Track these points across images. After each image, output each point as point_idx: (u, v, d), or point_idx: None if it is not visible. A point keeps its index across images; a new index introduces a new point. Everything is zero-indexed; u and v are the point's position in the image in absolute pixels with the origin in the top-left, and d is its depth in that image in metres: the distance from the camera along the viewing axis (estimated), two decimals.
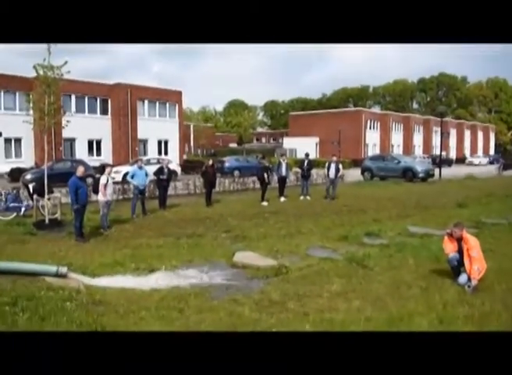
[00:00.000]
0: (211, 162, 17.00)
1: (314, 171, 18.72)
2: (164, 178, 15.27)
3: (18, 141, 31.33)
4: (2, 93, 30.95)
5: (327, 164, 18.31)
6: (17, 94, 31.04)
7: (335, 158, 18.41)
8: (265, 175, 16.84)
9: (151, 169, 16.98)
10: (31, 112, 12.05)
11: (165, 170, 15.37)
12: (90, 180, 18.12)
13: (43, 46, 10.82)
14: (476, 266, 6.25)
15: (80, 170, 10.51)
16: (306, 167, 18.36)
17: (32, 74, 12.05)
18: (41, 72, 11.23)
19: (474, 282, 6.21)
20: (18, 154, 31.67)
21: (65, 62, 11.32)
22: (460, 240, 6.55)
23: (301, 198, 18.03)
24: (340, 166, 18.15)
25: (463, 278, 6.41)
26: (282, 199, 17.45)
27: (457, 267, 6.61)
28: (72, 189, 10.06)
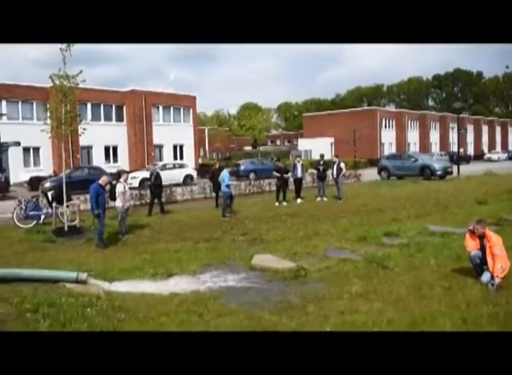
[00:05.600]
0: (217, 165, 17.28)
1: (329, 172, 18.70)
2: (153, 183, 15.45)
3: (36, 149, 31.73)
4: (20, 103, 31.45)
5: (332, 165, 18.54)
6: (34, 103, 31.52)
7: (336, 159, 18.65)
8: (285, 176, 17.06)
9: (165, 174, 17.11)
10: (48, 121, 12.21)
11: (153, 177, 15.53)
12: (107, 187, 18.23)
13: (58, 56, 11.00)
14: (499, 263, 6.12)
15: (104, 179, 10.95)
16: (321, 168, 18.27)
17: (48, 84, 12.24)
18: (57, 81, 11.41)
19: (497, 280, 6.08)
20: (37, 163, 32.09)
21: (81, 71, 11.51)
22: (482, 237, 6.42)
23: (318, 199, 17.93)
24: (342, 165, 18.22)
25: (486, 276, 6.28)
26: (299, 201, 17.38)
27: (480, 265, 6.48)
28: (94, 195, 10.35)
